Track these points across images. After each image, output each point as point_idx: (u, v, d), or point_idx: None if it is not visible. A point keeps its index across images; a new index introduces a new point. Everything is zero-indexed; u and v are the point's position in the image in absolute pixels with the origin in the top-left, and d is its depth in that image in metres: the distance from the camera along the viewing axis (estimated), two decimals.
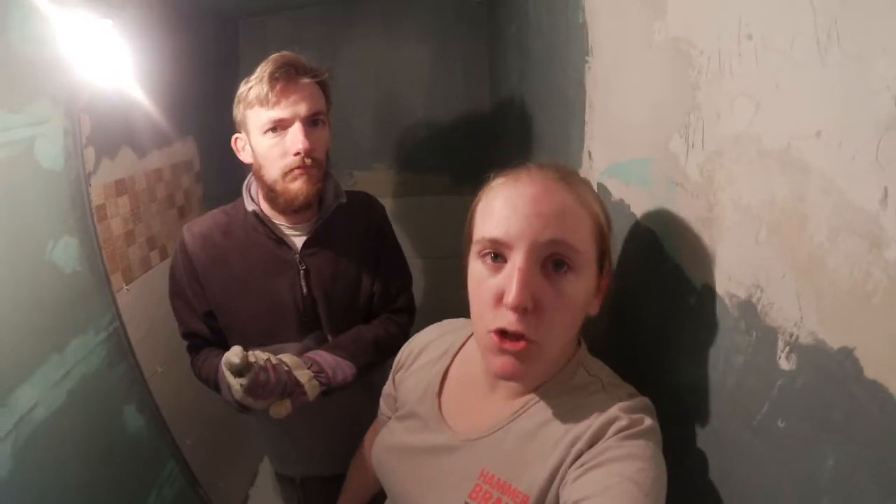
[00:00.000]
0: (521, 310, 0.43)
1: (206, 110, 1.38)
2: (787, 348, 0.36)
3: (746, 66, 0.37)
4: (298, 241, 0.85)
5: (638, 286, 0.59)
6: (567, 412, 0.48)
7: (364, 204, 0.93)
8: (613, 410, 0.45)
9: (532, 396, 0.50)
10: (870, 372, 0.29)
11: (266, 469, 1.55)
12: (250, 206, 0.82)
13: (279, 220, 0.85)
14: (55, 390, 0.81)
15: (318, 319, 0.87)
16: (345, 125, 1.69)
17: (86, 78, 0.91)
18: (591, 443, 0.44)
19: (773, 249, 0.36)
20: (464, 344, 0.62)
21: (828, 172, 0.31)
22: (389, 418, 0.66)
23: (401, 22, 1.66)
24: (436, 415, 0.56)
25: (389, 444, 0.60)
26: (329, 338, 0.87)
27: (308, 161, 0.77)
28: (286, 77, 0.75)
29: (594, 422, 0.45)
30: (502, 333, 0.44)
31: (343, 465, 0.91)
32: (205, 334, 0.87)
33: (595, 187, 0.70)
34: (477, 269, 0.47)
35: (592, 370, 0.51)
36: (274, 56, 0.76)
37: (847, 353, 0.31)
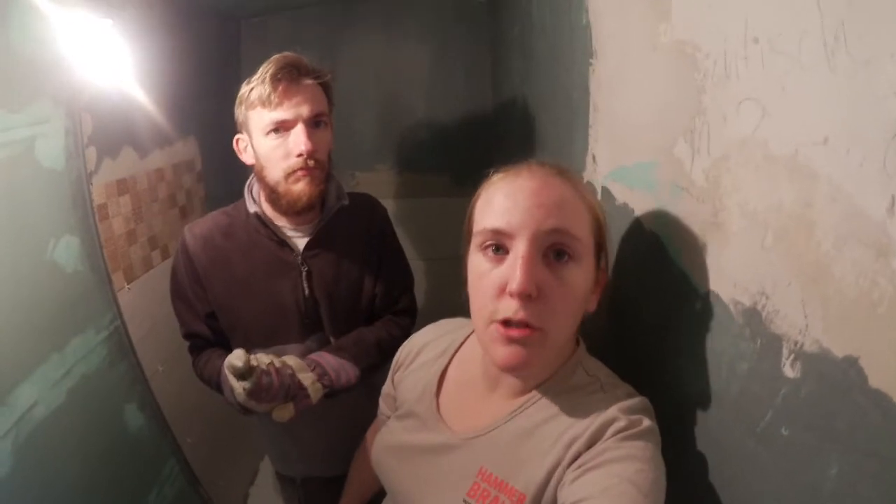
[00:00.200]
0: (525, 297, 0.43)
1: (207, 110, 1.38)
2: (792, 356, 0.36)
3: (753, 70, 0.37)
4: (300, 242, 0.85)
5: (641, 291, 0.59)
6: (565, 412, 0.48)
7: (366, 205, 0.92)
8: (612, 411, 0.45)
9: (530, 395, 0.50)
10: (874, 381, 0.29)
11: (266, 468, 1.56)
12: (252, 208, 0.82)
13: (281, 222, 0.84)
14: (55, 389, 0.81)
15: (320, 321, 0.86)
16: (346, 126, 1.69)
17: (87, 77, 0.90)
18: (590, 443, 0.44)
19: (779, 256, 0.36)
20: (462, 343, 0.62)
21: (835, 179, 0.31)
22: (389, 418, 0.66)
23: (402, 22, 1.65)
24: (434, 414, 0.56)
25: (388, 443, 0.60)
26: (331, 339, 0.87)
27: (311, 162, 0.77)
28: (288, 78, 0.75)
29: (593, 422, 0.45)
30: (506, 324, 0.44)
31: (344, 465, 0.91)
32: (206, 335, 0.87)
33: (599, 191, 0.69)
34: (478, 261, 0.47)
35: (591, 370, 0.51)
36: (276, 57, 0.76)
37: (852, 362, 0.31)
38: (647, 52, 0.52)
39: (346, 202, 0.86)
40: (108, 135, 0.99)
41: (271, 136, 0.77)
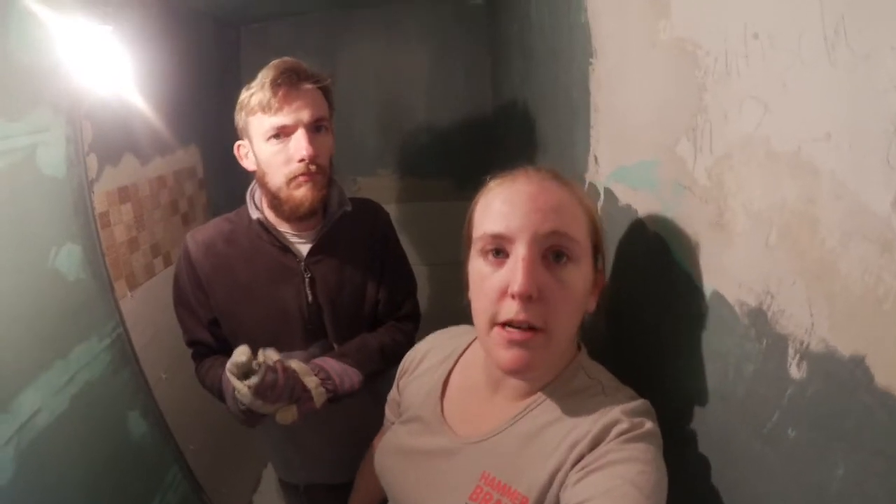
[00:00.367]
0: (526, 298, 0.44)
1: (208, 116, 1.38)
2: (798, 356, 0.35)
3: (754, 67, 0.36)
4: (303, 248, 0.85)
5: (645, 292, 0.58)
6: (567, 415, 0.48)
7: (369, 210, 0.92)
8: (614, 413, 0.45)
9: (533, 399, 0.51)
10: (881, 380, 0.29)
11: (269, 475, 1.55)
12: (254, 214, 0.82)
13: (283, 228, 0.84)
14: (58, 396, 0.81)
15: (324, 327, 0.86)
16: (347, 130, 1.69)
17: (87, 85, 0.91)
18: (592, 446, 0.44)
19: (783, 254, 0.36)
20: (466, 349, 0.62)
21: (839, 175, 0.31)
22: (394, 424, 0.66)
23: (401, 25, 1.66)
24: (438, 418, 0.57)
25: (392, 447, 0.60)
26: (334, 346, 0.86)
27: (312, 168, 0.77)
28: (288, 83, 0.75)
29: (595, 425, 0.45)
30: (509, 326, 0.45)
31: (347, 472, 0.90)
32: (209, 342, 0.87)
33: (601, 192, 0.69)
34: (478, 266, 0.48)
35: (592, 373, 0.52)
36: (275, 62, 0.76)
37: (858, 361, 0.30)
38: (647, 50, 0.52)
39: (348, 208, 0.85)
40: (109, 142, 1.00)
41: (272, 141, 0.76)
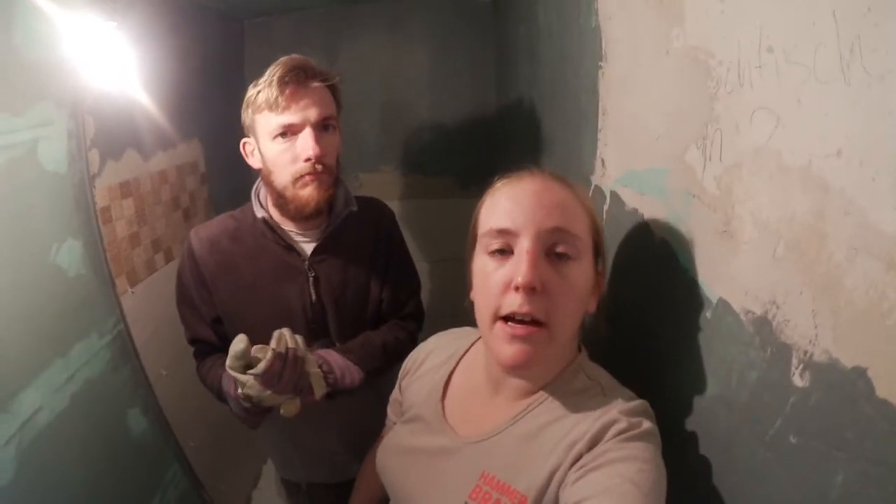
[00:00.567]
0: (529, 290, 0.45)
1: (211, 112, 1.37)
2: (802, 365, 0.36)
3: (767, 80, 0.37)
4: (308, 247, 0.84)
5: (650, 296, 0.59)
6: (567, 415, 0.49)
7: (373, 209, 0.92)
8: (613, 413, 0.46)
9: (533, 399, 0.51)
10: (881, 391, 0.30)
11: (269, 472, 1.55)
12: (259, 213, 0.81)
13: (288, 226, 0.84)
14: (59, 394, 0.80)
15: (327, 326, 0.86)
16: (350, 127, 1.67)
17: (90, 80, 0.90)
18: (591, 445, 0.45)
19: (790, 266, 0.36)
20: (468, 350, 0.63)
21: (848, 192, 0.31)
22: (395, 424, 0.66)
23: (406, 22, 1.65)
24: (439, 418, 0.57)
25: (393, 446, 0.61)
26: (337, 345, 0.87)
27: (319, 167, 0.76)
28: (296, 81, 0.74)
29: (594, 424, 0.45)
30: (511, 319, 0.46)
31: (347, 471, 0.90)
32: (211, 340, 0.87)
33: (608, 195, 0.69)
34: (483, 262, 0.49)
35: (592, 374, 0.52)
36: (283, 59, 0.75)
37: (860, 373, 0.31)
38: (659, 57, 0.52)
39: (354, 208, 0.85)
40: (111, 137, 0.99)
41: (279, 140, 0.76)
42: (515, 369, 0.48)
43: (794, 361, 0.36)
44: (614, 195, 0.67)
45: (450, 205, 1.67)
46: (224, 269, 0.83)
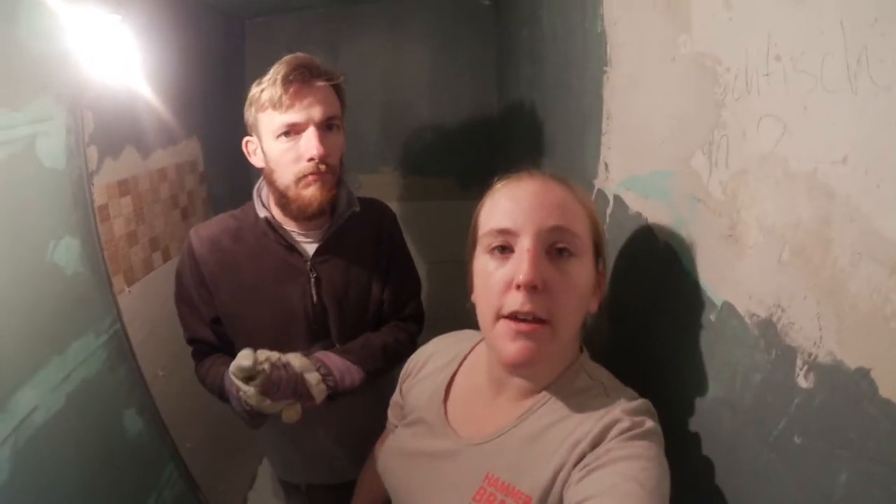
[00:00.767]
0: (531, 288, 0.45)
1: (210, 110, 1.36)
2: (806, 367, 0.36)
3: (775, 87, 0.37)
4: (310, 248, 0.84)
5: (653, 299, 0.59)
6: (570, 415, 0.49)
7: (375, 211, 0.92)
8: (615, 412, 0.46)
9: (536, 400, 0.51)
10: (885, 391, 0.30)
11: (265, 472, 1.54)
12: (261, 212, 0.81)
13: (290, 227, 0.83)
14: (55, 393, 0.79)
15: (328, 328, 0.86)
16: (350, 127, 1.68)
17: (90, 74, 0.89)
18: (594, 444, 0.45)
19: (795, 271, 0.37)
20: (469, 353, 0.63)
21: (853, 198, 0.32)
22: (397, 427, 0.66)
23: (407, 23, 1.65)
24: (441, 420, 0.57)
25: (396, 449, 0.61)
26: (337, 346, 0.86)
27: (322, 167, 0.76)
28: (300, 80, 0.74)
29: (596, 424, 0.46)
30: (514, 318, 0.46)
31: (347, 473, 0.90)
32: (211, 341, 0.86)
33: (611, 199, 0.70)
34: (484, 262, 0.50)
35: (594, 374, 0.53)
36: (287, 58, 0.75)
37: (864, 374, 0.32)
38: (666, 62, 0.53)
39: (357, 208, 0.85)
40: (110, 134, 0.98)
41: (282, 139, 0.75)
42: (519, 367, 0.48)
43: (799, 363, 0.37)
44: (617, 199, 0.68)
45: (450, 206, 1.67)
46: (225, 268, 0.82)
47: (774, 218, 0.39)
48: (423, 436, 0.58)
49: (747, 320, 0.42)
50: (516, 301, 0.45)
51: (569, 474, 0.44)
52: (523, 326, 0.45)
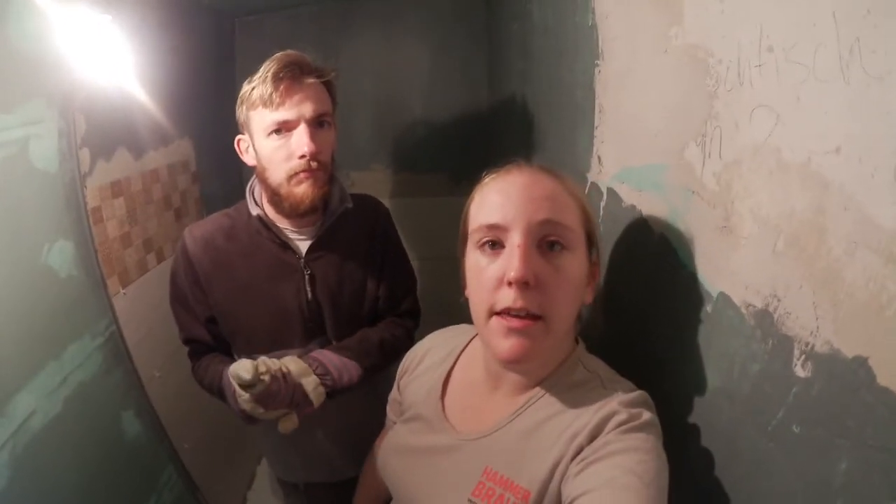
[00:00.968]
0: (523, 284, 0.44)
1: (202, 110, 1.35)
2: (803, 356, 0.37)
3: (767, 79, 0.37)
4: (303, 245, 0.84)
5: (648, 291, 0.59)
6: (567, 408, 0.49)
7: (369, 207, 0.92)
8: (613, 405, 0.46)
9: (533, 394, 0.51)
10: (882, 379, 0.30)
11: (263, 472, 1.54)
12: (254, 210, 0.81)
13: (283, 224, 0.83)
14: (52, 397, 0.79)
15: (323, 325, 0.86)
16: (342, 125, 1.67)
17: (82, 76, 0.88)
18: (592, 437, 0.45)
19: (791, 260, 0.37)
20: (465, 347, 0.63)
21: (847, 188, 0.32)
22: (395, 423, 0.66)
23: (398, 20, 1.64)
24: (439, 416, 0.57)
25: (394, 446, 0.61)
26: (333, 343, 0.86)
27: (314, 164, 0.75)
28: (291, 77, 0.73)
29: (594, 416, 0.46)
30: (507, 314, 0.45)
31: (347, 470, 0.90)
32: (206, 340, 0.86)
33: (604, 192, 0.70)
34: (475, 258, 0.49)
35: (590, 367, 0.53)
36: (278, 55, 0.74)
37: (861, 362, 0.32)
38: (658, 54, 0.53)
39: (349, 205, 0.85)
40: (102, 136, 0.97)
41: (273, 136, 0.75)
42: (513, 363, 0.48)
43: (796, 353, 0.37)
44: (611, 192, 0.68)
45: (442, 203, 1.67)
46: (219, 267, 0.82)
47: (768, 208, 0.39)
48: (422, 432, 0.58)
49: (743, 311, 0.43)
50: (508, 298, 0.45)
51: (567, 467, 0.44)
52: (516, 323, 0.45)
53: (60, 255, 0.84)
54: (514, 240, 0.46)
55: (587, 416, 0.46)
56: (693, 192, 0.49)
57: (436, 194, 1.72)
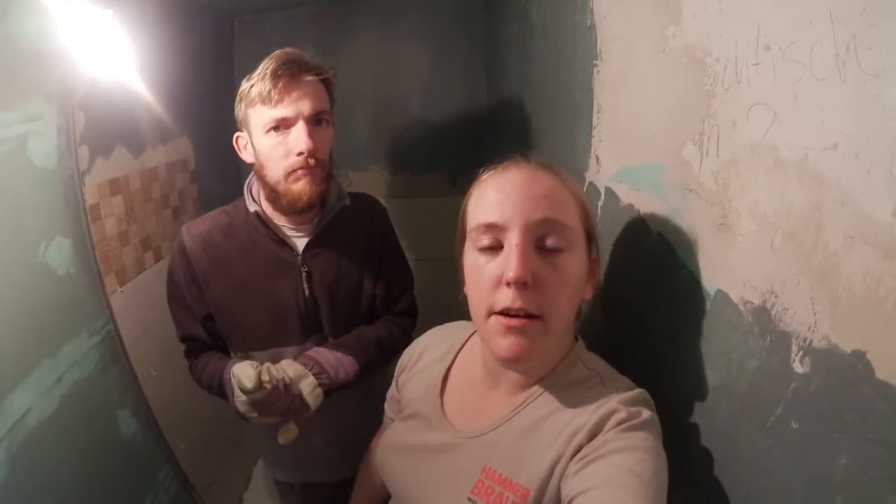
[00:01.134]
0: (521, 284, 0.44)
1: (201, 109, 1.36)
2: (801, 352, 0.37)
3: (764, 77, 0.38)
4: (300, 242, 0.84)
5: (647, 290, 0.60)
6: (566, 406, 0.48)
7: (366, 205, 0.92)
8: (612, 403, 0.46)
9: (532, 392, 0.51)
10: (881, 373, 0.30)
11: (260, 473, 1.54)
12: (252, 207, 0.81)
13: (281, 221, 0.83)
14: (48, 396, 0.79)
15: (320, 322, 0.85)
16: (340, 125, 1.68)
17: (83, 72, 0.88)
18: (591, 436, 0.44)
19: (788, 256, 0.37)
20: (464, 344, 0.62)
21: (844, 183, 0.32)
22: (393, 421, 0.66)
23: (397, 21, 1.65)
24: (438, 414, 0.57)
25: (393, 444, 0.61)
26: (330, 341, 0.86)
27: (311, 161, 0.76)
28: (289, 74, 0.73)
29: (593, 415, 0.45)
30: (506, 314, 0.45)
31: (343, 470, 0.90)
32: (203, 338, 0.86)
33: (602, 192, 0.70)
34: (473, 257, 0.49)
35: (590, 364, 0.52)
36: (277, 53, 0.74)
37: (859, 356, 0.32)
38: (656, 54, 0.53)
39: (347, 202, 0.85)
40: (101, 133, 0.97)
41: (271, 133, 0.75)
42: (512, 362, 0.48)
43: (794, 348, 0.37)
44: (609, 191, 0.68)
45: (440, 203, 1.67)
46: (216, 265, 0.82)
47: (766, 205, 0.39)
48: (421, 429, 0.58)
49: (741, 307, 0.43)
50: (507, 298, 0.45)
51: (566, 466, 0.44)
52: (514, 322, 0.45)
53: (58, 252, 0.84)
54: (512, 239, 0.45)
55: (586, 415, 0.46)
56: (691, 190, 0.49)
57: (434, 195, 1.72)
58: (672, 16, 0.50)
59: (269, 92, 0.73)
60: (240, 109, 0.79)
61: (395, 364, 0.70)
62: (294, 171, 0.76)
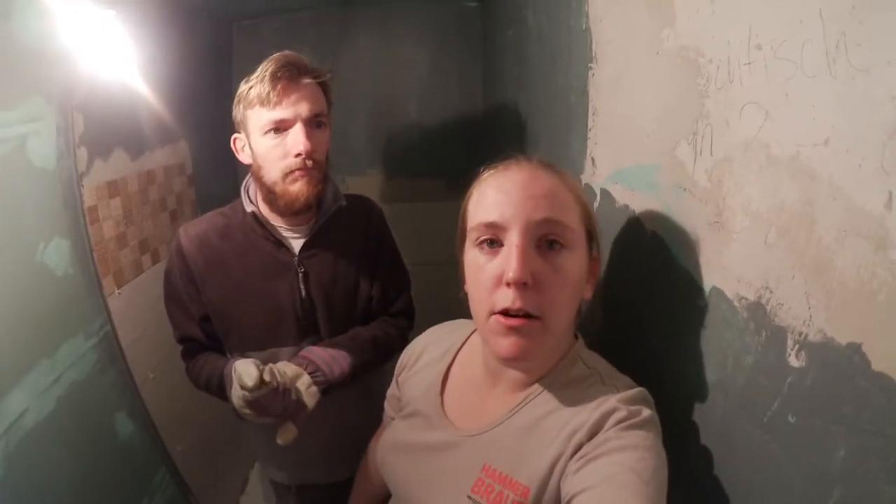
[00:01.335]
0: (521, 285, 0.44)
1: (199, 112, 1.36)
2: (797, 346, 0.37)
3: (756, 76, 0.38)
4: (297, 243, 0.84)
5: (644, 289, 0.60)
6: (566, 404, 0.48)
7: (363, 207, 0.92)
8: (612, 402, 0.46)
9: (532, 390, 0.51)
10: (877, 365, 0.31)
11: (256, 476, 1.53)
12: (249, 208, 0.81)
13: (277, 222, 0.84)
14: (45, 396, 0.78)
15: (317, 323, 0.86)
16: (337, 130, 1.68)
17: (81, 73, 0.88)
18: (591, 434, 0.44)
19: (782, 252, 0.38)
20: (464, 342, 0.62)
21: (836, 178, 0.33)
22: (393, 420, 0.66)
23: (394, 26, 1.66)
24: (438, 412, 0.57)
25: (393, 442, 0.60)
26: (326, 341, 0.86)
27: (309, 163, 0.76)
28: (288, 77, 0.74)
29: (593, 413, 0.45)
30: (506, 314, 0.45)
31: (341, 471, 0.90)
32: (200, 339, 0.86)
33: (598, 193, 0.71)
34: (474, 256, 0.49)
35: (590, 363, 0.52)
36: (275, 55, 0.75)
37: (855, 348, 0.32)
38: (650, 56, 0.54)
39: (343, 203, 0.85)
40: (100, 135, 0.97)
41: (269, 135, 0.76)
42: (513, 362, 0.48)
43: (790, 343, 0.37)
44: (605, 192, 0.69)
45: (437, 207, 1.67)
46: (213, 266, 0.82)
47: (759, 202, 0.40)
48: (421, 428, 0.58)
49: (736, 304, 0.43)
50: (507, 298, 0.45)
51: (566, 465, 0.44)
52: (514, 322, 0.45)
53: (56, 253, 0.84)
54: (513, 239, 0.45)
55: (586, 413, 0.46)
56: (685, 189, 0.49)
57: (431, 199, 1.73)
58: (666, 18, 0.51)
59: (268, 94, 0.73)
60: (238, 111, 0.79)
61: (395, 363, 0.70)
62: (291, 172, 0.77)
